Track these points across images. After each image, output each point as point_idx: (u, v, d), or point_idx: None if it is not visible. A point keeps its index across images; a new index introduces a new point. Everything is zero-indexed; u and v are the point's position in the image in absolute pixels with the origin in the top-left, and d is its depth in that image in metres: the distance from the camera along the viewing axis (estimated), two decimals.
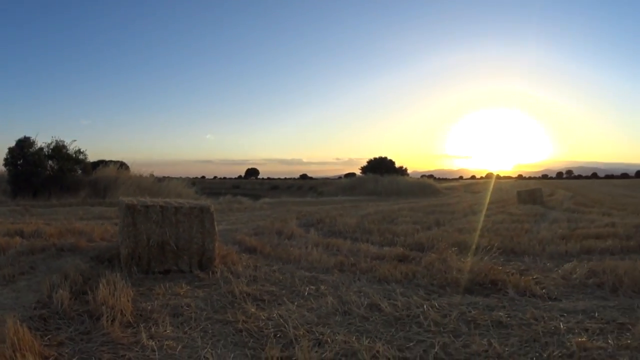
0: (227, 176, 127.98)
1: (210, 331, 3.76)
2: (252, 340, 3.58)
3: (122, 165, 24.42)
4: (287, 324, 3.81)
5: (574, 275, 5.70)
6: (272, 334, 3.67)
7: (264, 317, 4.05)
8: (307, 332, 3.73)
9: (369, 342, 3.53)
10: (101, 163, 24.66)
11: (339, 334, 3.70)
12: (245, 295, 4.73)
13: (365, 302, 4.59)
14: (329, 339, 3.57)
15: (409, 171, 52.07)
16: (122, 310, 3.91)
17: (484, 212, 14.56)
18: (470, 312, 4.43)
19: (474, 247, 7.48)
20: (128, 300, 4.15)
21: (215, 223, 6.18)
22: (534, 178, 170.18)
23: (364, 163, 49.45)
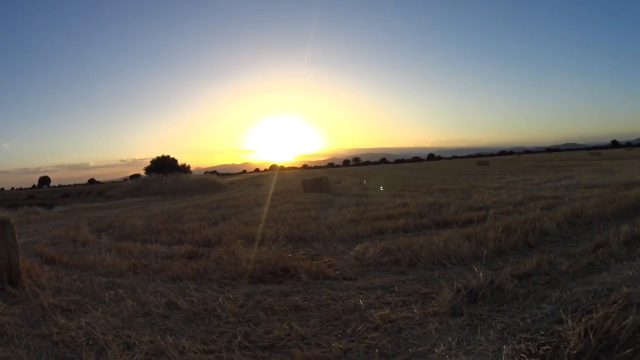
0: (23, 186, 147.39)
1: (32, 347, 4.16)
2: (69, 351, 4.02)
3: None
4: (96, 331, 4.29)
5: (367, 255, 6.65)
6: (85, 343, 4.12)
7: (74, 327, 4.49)
8: (116, 336, 4.17)
9: (173, 340, 3.96)
10: None
11: (144, 335, 4.17)
12: (53, 307, 5.20)
13: (163, 302, 5.04)
14: (136, 341, 4.02)
15: (192, 168, 56.39)
16: None
17: (268, 204, 16.18)
18: (265, 299, 4.94)
19: (260, 237, 8.33)
20: None
21: (17, 236, 6.65)
22: (320, 167, 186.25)
23: (148, 163, 53.24)
